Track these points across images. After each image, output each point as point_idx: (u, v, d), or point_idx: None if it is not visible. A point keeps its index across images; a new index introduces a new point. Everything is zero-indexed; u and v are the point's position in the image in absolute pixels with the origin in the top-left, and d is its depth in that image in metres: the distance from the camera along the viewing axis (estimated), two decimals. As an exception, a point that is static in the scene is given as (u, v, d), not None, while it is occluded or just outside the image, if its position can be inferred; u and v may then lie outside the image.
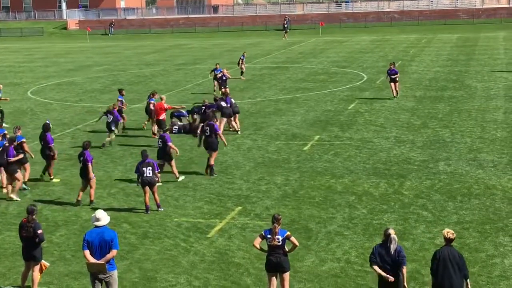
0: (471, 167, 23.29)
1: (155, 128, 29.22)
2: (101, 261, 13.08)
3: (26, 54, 71.41)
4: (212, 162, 23.45)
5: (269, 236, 13.40)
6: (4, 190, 21.85)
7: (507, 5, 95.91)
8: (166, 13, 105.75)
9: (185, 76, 49.58)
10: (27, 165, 23.10)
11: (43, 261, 14.80)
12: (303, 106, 35.18)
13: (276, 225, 13.35)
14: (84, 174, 20.61)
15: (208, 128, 23.44)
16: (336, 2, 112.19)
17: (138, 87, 45.04)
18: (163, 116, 28.40)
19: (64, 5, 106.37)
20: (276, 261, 13.40)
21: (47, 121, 24.61)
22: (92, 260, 13.10)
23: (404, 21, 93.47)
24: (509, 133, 27.87)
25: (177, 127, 30.31)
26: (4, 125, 25.09)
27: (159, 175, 20.14)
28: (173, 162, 22.86)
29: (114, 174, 24.10)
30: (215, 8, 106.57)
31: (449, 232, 12.39)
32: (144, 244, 17.50)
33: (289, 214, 18.95)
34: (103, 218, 13.36)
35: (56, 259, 16.68)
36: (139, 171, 19.63)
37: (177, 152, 23.12)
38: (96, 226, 13.33)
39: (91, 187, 20.77)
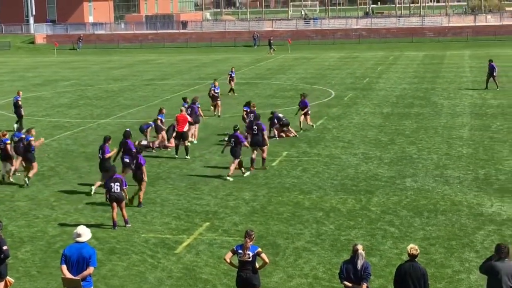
0: (438, 183, 23.52)
1: (167, 142, 29.64)
2: (77, 278, 12.97)
3: (-8, 68, 70.74)
4: (265, 155, 25.91)
5: (240, 251, 13.41)
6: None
7: (473, 24, 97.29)
8: (135, 28, 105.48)
9: (153, 92, 49.46)
10: (35, 164, 24.88)
11: (8, 277, 14.61)
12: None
13: (248, 241, 13.36)
14: (138, 177, 21.34)
15: (256, 127, 25.55)
16: (305, 19, 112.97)
17: (106, 102, 44.83)
18: (186, 127, 28.40)
19: (31, 20, 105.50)
20: (246, 277, 13.40)
21: (127, 129, 25.18)
22: (68, 275, 12.98)
23: (372, 39, 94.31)
24: (474, 150, 28.21)
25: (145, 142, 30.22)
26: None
27: (126, 191, 20.02)
28: (237, 161, 24.70)
29: (81, 189, 23.92)
30: (184, 24, 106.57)
31: (412, 248, 12.52)
32: (111, 260, 17.38)
33: (257, 230, 18.93)
34: (85, 234, 13.28)
35: (21, 275, 16.49)
36: (107, 186, 19.53)
37: (247, 147, 25.47)
38: (77, 242, 13.23)
39: (141, 190, 21.57)
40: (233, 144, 24.61)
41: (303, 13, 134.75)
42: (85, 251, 13.15)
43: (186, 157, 27.93)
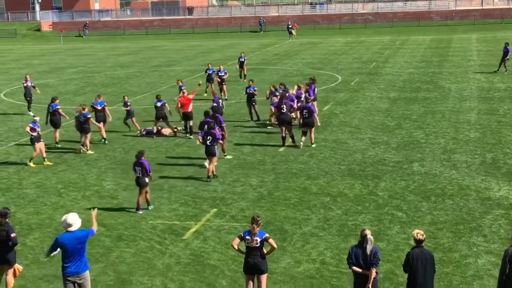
0: (445, 168, 23.47)
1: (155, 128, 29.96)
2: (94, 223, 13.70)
3: (-1, 56, 70.82)
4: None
5: (247, 237, 13.40)
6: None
7: (480, 7, 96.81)
8: (140, 14, 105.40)
9: (159, 78, 49.44)
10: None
11: (16, 264, 14.68)
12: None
13: (255, 226, 13.35)
14: (211, 151, 22.75)
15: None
16: (311, 4, 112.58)
17: (112, 89, 44.84)
18: (190, 108, 29.44)
19: (37, 7, 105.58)
20: (253, 263, 13.41)
21: (215, 104, 29.02)
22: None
23: (378, 23, 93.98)
24: (482, 134, 28.12)
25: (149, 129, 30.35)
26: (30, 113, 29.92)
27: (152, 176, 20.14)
28: (313, 129, 27.27)
29: (88, 176, 23.98)
30: (190, 10, 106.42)
31: (418, 233, 12.51)
32: (119, 247, 17.42)
33: (264, 215, 18.95)
34: (75, 223, 13.14)
35: (30, 262, 16.56)
36: (133, 169, 19.89)
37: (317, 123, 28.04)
38: (68, 231, 13.12)
39: (211, 162, 22.89)
40: (306, 116, 26.65)
41: None
42: (79, 234, 13.08)
43: (190, 136, 29.28)
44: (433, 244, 16.60)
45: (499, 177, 22.24)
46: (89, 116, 27.12)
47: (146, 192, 19.91)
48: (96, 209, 14.76)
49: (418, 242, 12.46)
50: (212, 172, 23.04)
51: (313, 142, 27.07)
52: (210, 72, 39.83)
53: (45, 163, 25.66)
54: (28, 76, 37.62)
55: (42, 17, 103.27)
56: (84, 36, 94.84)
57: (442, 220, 18.48)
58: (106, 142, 28.75)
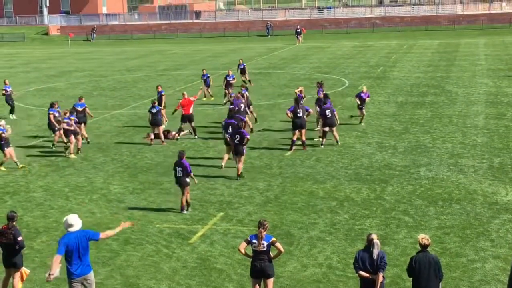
0: (452, 172, 23.42)
1: (162, 136, 29.60)
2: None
3: (6, 60, 70.96)
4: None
5: (254, 241, 13.40)
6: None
7: (487, 12, 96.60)
8: (148, 18, 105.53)
9: (167, 82, 49.48)
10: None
11: (23, 268, 14.70)
12: (285, 112, 35.16)
13: (262, 230, 13.35)
14: (240, 150, 23.27)
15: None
16: (318, 8, 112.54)
17: (120, 92, 44.92)
18: (191, 110, 29.85)
19: (45, 11, 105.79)
20: (260, 267, 13.40)
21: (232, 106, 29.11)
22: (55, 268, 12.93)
23: (386, 27, 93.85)
24: (489, 139, 28.07)
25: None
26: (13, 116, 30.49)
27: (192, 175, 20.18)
28: (335, 128, 27.76)
29: (95, 180, 24.02)
30: (197, 14, 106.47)
31: (423, 238, 12.48)
32: (126, 251, 17.44)
33: (271, 219, 18.94)
34: (77, 224, 13.12)
35: (37, 265, 16.58)
36: (174, 168, 20.13)
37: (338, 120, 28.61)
38: (69, 232, 13.09)
39: (240, 161, 23.41)
40: (329, 115, 27.12)
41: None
42: (81, 234, 13.05)
43: (195, 136, 29.91)
44: (440, 249, 16.57)
45: (507, 181, 22.19)
46: (65, 121, 27.34)
47: (184, 194, 20.03)
48: (128, 223, 14.48)
49: (423, 246, 12.44)
50: (239, 171, 23.43)
51: (337, 140, 27.73)
52: (205, 77, 40.49)
53: (19, 166, 25.77)
54: (7, 81, 38.01)
55: (50, 21, 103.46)
56: (92, 40, 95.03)
57: (449, 224, 18.44)
58: (89, 141, 29.48)
